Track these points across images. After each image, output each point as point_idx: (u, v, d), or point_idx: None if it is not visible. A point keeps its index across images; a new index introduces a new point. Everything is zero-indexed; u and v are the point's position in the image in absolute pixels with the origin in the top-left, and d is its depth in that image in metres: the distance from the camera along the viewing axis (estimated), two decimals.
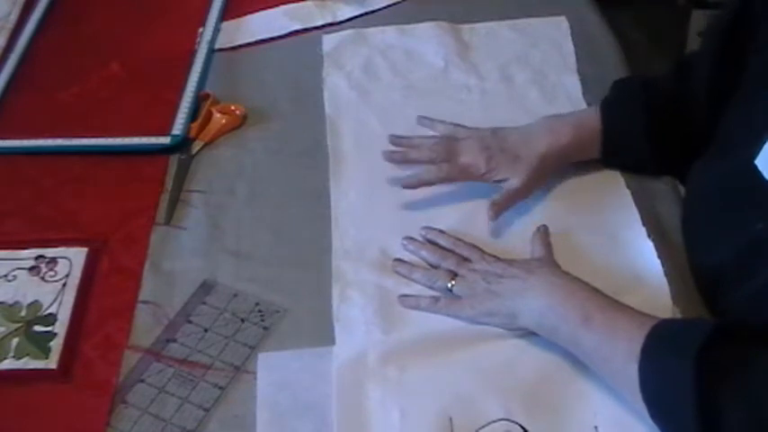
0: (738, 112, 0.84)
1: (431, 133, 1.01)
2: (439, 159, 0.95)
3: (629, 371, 0.71)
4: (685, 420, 0.66)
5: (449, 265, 0.87)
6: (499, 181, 0.93)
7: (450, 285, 0.85)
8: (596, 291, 0.78)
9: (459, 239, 0.90)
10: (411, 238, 0.91)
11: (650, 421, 0.71)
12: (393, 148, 1.00)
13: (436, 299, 0.85)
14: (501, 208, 0.92)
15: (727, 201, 0.82)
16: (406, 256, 0.90)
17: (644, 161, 0.94)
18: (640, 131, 0.93)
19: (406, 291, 0.86)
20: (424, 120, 1.03)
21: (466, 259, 0.87)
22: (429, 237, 0.91)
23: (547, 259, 0.86)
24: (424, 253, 0.90)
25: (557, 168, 0.95)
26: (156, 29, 1.25)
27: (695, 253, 0.87)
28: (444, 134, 1.00)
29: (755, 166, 0.76)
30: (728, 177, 0.82)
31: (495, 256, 0.87)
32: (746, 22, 0.83)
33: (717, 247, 0.82)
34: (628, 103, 0.94)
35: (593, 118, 0.95)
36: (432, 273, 0.87)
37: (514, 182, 0.92)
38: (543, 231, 0.90)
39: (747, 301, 0.76)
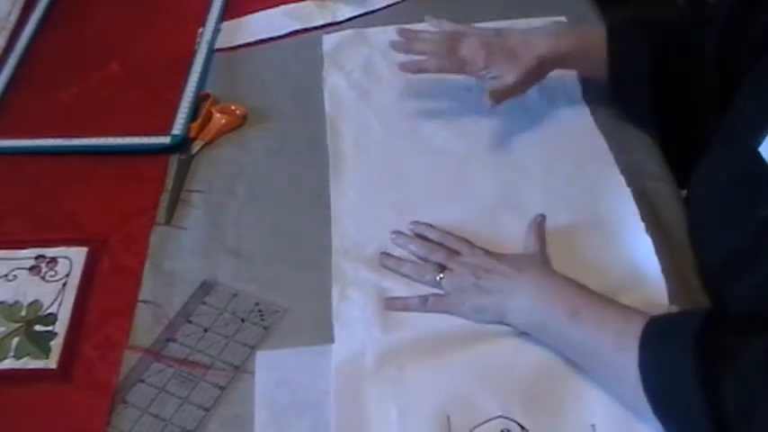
0: (742, 105, 0.84)
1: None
2: (441, 51, 1.00)
3: (620, 361, 0.71)
4: (691, 413, 0.66)
5: (437, 258, 0.87)
6: (494, 78, 0.99)
7: (438, 278, 0.85)
8: (584, 288, 0.79)
9: (449, 233, 0.90)
10: (400, 233, 0.91)
11: (647, 418, 0.71)
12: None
13: (425, 298, 0.85)
14: (499, 96, 0.97)
15: (732, 190, 0.82)
16: (399, 252, 0.90)
17: (647, 95, 0.96)
18: (646, 60, 0.94)
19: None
20: (431, 19, 1.07)
21: (455, 252, 0.87)
22: (417, 230, 0.91)
23: (538, 256, 0.86)
24: (412, 246, 0.90)
25: (552, 71, 1.00)
26: (156, 29, 1.26)
27: (702, 248, 0.87)
28: (450, 30, 1.04)
29: (759, 154, 0.76)
30: (732, 167, 0.82)
31: (484, 250, 0.87)
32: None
33: (723, 239, 0.82)
34: (634, 31, 0.97)
35: (599, 36, 0.97)
36: (420, 266, 0.87)
37: (509, 78, 0.97)
38: (539, 223, 0.89)
39: (753, 292, 0.76)
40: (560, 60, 0.99)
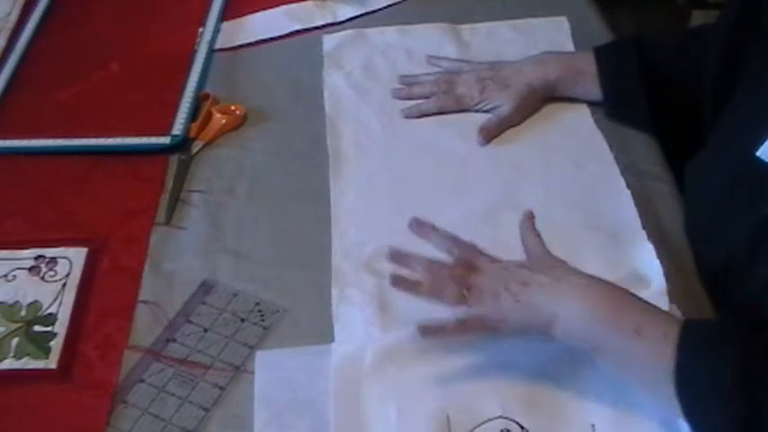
0: (742, 102, 0.84)
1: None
2: (439, 92, 1.06)
3: (662, 366, 0.68)
4: (726, 417, 0.65)
5: (455, 278, 0.78)
6: (491, 109, 1.03)
7: (464, 293, 0.77)
8: (625, 291, 0.74)
9: (456, 238, 0.82)
10: (400, 253, 0.82)
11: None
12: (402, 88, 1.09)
13: (462, 320, 0.77)
14: (491, 132, 1.01)
15: (731, 190, 0.82)
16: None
17: (644, 108, 0.98)
18: (638, 74, 0.97)
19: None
20: (431, 58, 1.13)
21: (472, 266, 0.79)
22: (420, 231, 0.83)
23: (551, 255, 0.80)
24: (422, 272, 0.80)
25: (545, 98, 1.04)
26: (156, 29, 1.26)
27: (701, 249, 0.86)
28: (448, 69, 1.10)
29: (758, 157, 0.76)
30: (731, 168, 0.82)
31: (500, 261, 0.80)
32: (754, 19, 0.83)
33: (722, 239, 0.82)
34: (621, 49, 1.00)
35: (586, 60, 1.02)
36: (440, 287, 0.79)
37: (504, 108, 1.02)
38: (530, 218, 0.83)
39: (755, 292, 0.75)
40: (550, 88, 1.03)
